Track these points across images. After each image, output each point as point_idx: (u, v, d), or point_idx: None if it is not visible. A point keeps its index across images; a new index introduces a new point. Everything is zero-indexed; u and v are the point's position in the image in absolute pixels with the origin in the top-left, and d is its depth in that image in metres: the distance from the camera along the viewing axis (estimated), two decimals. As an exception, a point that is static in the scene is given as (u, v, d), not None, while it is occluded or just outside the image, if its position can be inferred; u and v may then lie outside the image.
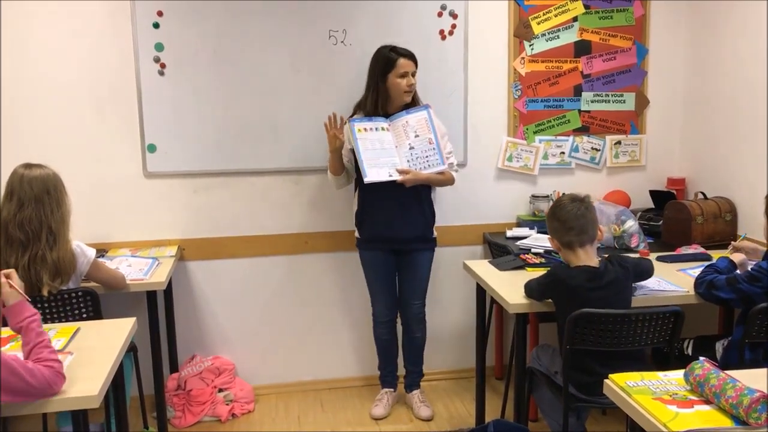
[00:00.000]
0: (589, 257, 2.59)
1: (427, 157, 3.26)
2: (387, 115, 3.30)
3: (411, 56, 3.26)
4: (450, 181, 3.38)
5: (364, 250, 3.46)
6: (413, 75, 3.26)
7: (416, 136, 3.26)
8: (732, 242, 3.02)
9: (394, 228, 3.33)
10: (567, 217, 2.58)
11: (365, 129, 3.24)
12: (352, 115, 3.33)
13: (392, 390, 3.65)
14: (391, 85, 3.24)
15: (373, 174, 3.17)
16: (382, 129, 3.26)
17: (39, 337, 1.95)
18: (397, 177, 3.17)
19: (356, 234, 3.47)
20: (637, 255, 3.17)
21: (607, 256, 2.66)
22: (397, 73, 3.22)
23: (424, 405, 3.55)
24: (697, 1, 3.81)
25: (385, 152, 3.22)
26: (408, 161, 3.24)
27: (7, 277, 2.00)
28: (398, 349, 3.63)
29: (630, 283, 2.64)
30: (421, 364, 3.63)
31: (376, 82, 3.25)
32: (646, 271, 2.73)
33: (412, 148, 3.25)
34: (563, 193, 3.77)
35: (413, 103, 3.32)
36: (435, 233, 3.46)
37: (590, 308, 2.44)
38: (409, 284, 3.47)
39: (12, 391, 1.81)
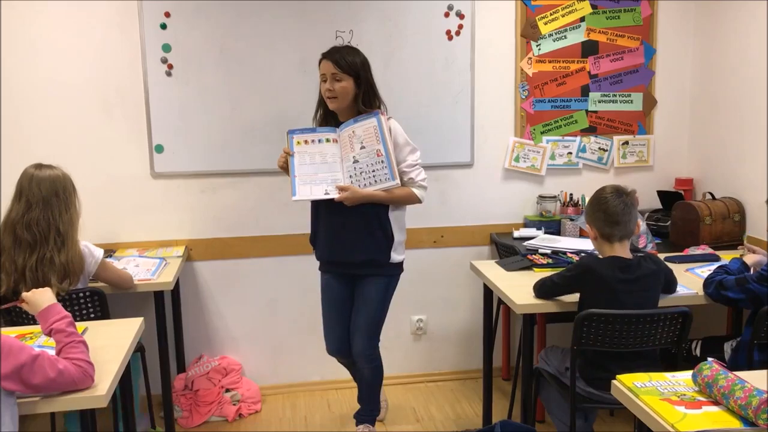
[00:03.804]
0: (623, 250, 2.60)
1: (373, 171, 2.85)
2: (337, 124, 2.95)
3: (331, 55, 2.85)
4: (408, 199, 2.93)
5: (322, 272, 3.11)
6: (337, 79, 2.83)
7: (362, 147, 2.85)
8: (745, 245, 3.03)
9: (338, 251, 2.95)
10: (614, 212, 2.56)
11: (305, 141, 2.92)
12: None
13: None
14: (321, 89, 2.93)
15: (303, 191, 2.85)
16: (327, 141, 2.91)
17: (68, 337, 1.97)
18: (334, 195, 2.82)
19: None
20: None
21: (642, 254, 2.66)
22: (321, 77, 2.90)
23: None
24: (705, 1, 3.79)
25: (326, 166, 2.88)
26: (350, 176, 2.86)
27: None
28: None
29: (660, 283, 2.63)
30: (375, 402, 3.21)
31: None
32: (672, 284, 2.72)
33: (356, 161, 2.86)
34: (576, 194, 3.77)
35: (364, 111, 2.89)
36: (396, 258, 2.97)
37: (619, 301, 2.46)
38: (354, 316, 3.05)
39: (32, 386, 1.83)
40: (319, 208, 2.97)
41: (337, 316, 3.09)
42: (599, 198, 2.63)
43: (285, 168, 2.97)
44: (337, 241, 2.95)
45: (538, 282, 2.71)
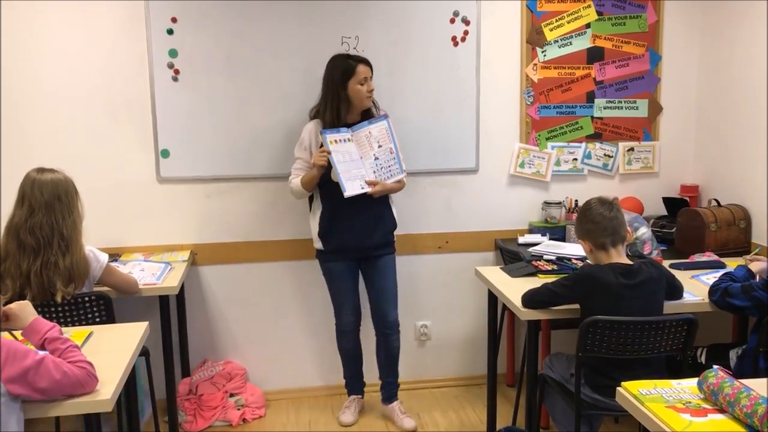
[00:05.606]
0: (620, 256, 2.60)
1: (389, 166, 3.28)
2: (347, 125, 3.25)
3: (367, 63, 3.26)
4: (402, 186, 3.39)
5: (329, 261, 3.40)
6: (371, 80, 3.25)
7: (379, 146, 3.26)
8: (745, 257, 3.02)
9: (362, 237, 3.31)
10: (600, 219, 2.59)
11: (335, 141, 3.19)
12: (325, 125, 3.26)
13: (360, 396, 3.64)
14: (352, 92, 3.20)
15: (350, 188, 3.16)
16: (347, 140, 3.23)
17: (63, 344, 1.98)
18: (367, 189, 3.18)
19: (318, 246, 3.38)
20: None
21: (642, 260, 2.66)
22: (358, 80, 3.19)
23: (407, 416, 3.51)
24: (711, 8, 3.79)
25: (353, 164, 3.20)
26: (374, 172, 3.24)
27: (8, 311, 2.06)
28: (362, 357, 3.60)
29: (663, 287, 2.62)
30: (397, 375, 3.57)
31: (336, 91, 3.20)
32: (678, 290, 2.72)
33: (377, 158, 3.25)
34: (572, 199, 3.78)
35: (371, 112, 3.31)
36: (394, 236, 3.46)
37: (626, 306, 2.46)
38: (380, 292, 3.43)
39: (40, 390, 1.83)
40: (335, 201, 3.21)
41: (354, 295, 3.46)
42: (585, 211, 2.68)
43: (324, 166, 3.17)
44: (357, 229, 3.29)
45: (528, 292, 2.69)
